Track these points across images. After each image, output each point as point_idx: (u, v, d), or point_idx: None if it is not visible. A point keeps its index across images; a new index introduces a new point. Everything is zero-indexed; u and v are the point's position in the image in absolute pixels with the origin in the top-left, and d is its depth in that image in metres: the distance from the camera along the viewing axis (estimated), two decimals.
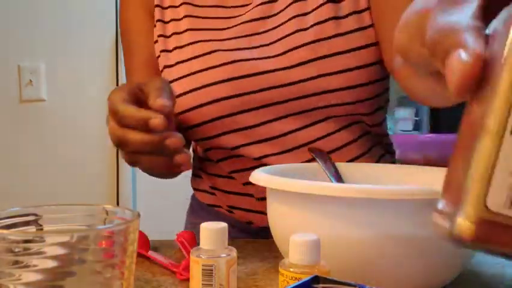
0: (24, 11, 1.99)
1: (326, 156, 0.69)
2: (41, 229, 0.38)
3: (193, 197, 0.90)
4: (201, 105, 0.72)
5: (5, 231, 0.34)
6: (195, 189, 0.88)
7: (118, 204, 1.98)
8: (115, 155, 2.02)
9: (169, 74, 0.76)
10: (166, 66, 0.77)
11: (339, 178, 0.65)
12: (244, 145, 0.73)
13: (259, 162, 0.73)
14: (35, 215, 0.38)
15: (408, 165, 0.68)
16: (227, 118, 0.72)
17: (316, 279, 0.36)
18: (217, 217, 0.80)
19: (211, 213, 0.84)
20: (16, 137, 2.01)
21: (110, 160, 2.02)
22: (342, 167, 0.68)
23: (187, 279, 0.53)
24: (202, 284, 0.47)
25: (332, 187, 0.52)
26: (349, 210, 0.48)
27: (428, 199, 0.46)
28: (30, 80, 1.99)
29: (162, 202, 1.94)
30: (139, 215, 0.38)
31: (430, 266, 0.49)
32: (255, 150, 0.73)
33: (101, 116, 2.02)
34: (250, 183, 0.67)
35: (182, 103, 0.72)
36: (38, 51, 2.00)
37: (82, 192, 2.00)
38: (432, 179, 0.64)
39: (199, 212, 0.87)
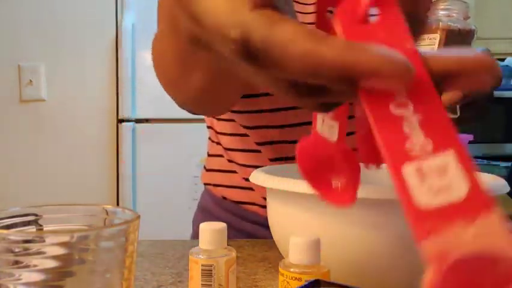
0: (25, 11, 1.99)
1: None
2: (41, 229, 0.38)
3: (205, 197, 0.86)
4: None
5: (5, 231, 0.34)
6: (223, 186, 0.83)
7: (118, 204, 1.98)
8: (115, 154, 2.02)
9: None
10: None
11: None
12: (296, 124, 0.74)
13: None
14: (35, 215, 0.38)
15: None
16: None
17: (317, 283, 0.36)
18: (243, 217, 0.79)
19: (235, 213, 0.80)
20: (16, 137, 2.01)
21: (110, 160, 2.02)
22: None
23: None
24: (202, 284, 0.47)
25: None
26: (349, 210, 0.48)
27: None
28: (30, 80, 1.99)
29: (162, 202, 1.94)
30: (139, 215, 0.38)
31: None
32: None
33: (101, 116, 2.03)
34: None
35: None
36: (38, 51, 2.00)
37: (82, 192, 2.00)
38: None
39: (211, 215, 0.82)
